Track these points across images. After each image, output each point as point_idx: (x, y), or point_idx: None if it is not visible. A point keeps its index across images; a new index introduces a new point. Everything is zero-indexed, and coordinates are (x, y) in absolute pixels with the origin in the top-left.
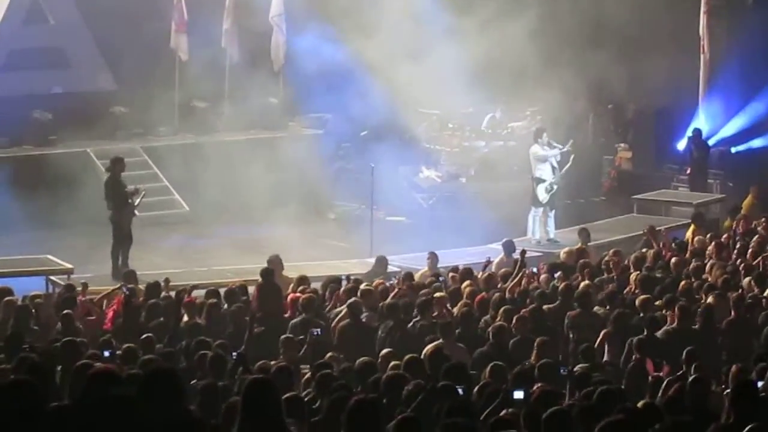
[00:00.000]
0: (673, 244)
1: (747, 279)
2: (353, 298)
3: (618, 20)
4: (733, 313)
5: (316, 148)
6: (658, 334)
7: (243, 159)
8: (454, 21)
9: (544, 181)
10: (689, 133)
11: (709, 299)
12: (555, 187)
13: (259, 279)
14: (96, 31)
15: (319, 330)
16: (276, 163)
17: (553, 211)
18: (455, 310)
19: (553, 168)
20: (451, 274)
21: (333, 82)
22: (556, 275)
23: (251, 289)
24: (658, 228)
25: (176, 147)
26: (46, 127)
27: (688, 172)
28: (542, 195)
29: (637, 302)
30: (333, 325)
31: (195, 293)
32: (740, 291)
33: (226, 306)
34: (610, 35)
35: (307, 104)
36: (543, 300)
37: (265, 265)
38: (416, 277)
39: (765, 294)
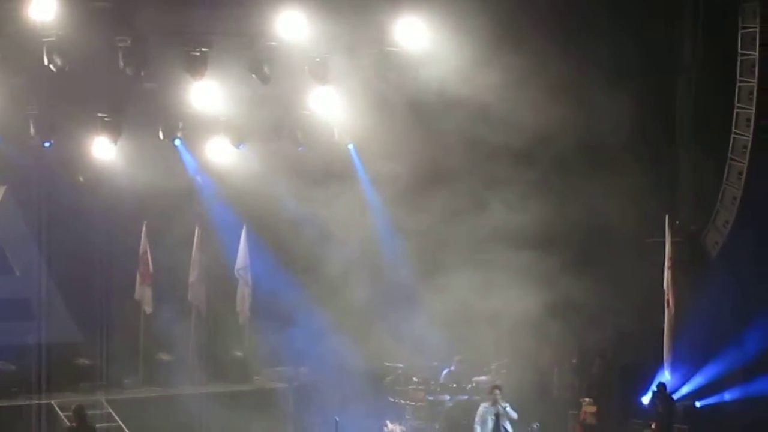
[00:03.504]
0: None
1: None
2: None
3: (588, 273)
4: None
5: (282, 402)
6: None
7: (208, 413)
8: (419, 272)
9: None
10: (654, 387)
11: None
12: None
13: None
14: (61, 283)
15: None
16: (241, 417)
17: None
18: None
19: (504, 428)
20: None
21: (298, 336)
22: None
23: None
24: None
25: (141, 399)
26: (9, 379)
27: (653, 426)
28: None
29: None
30: None
31: None
32: None
33: None
34: (574, 288)
35: (272, 358)
36: None
37: None
38: None
39: None
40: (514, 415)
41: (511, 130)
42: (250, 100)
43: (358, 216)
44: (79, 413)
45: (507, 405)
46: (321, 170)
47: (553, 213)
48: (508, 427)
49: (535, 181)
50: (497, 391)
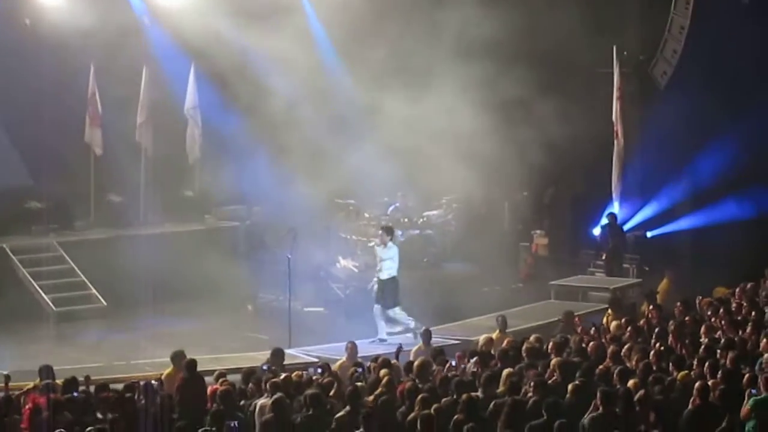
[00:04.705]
0: (592, 330)
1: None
2: (279, 394)
3: (537, 104)
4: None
5: (233, 240)
6: (585, 420)
7: (159, 252)
8: (368, 105)
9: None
10: (604, 218)
11: (629, 383)
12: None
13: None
14: (10, 126)
15: (236, 423)
16: (193, 255)
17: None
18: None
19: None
20: (372, 364)
21: (248, 174)
22: (472, 361)
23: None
24: (575, 314)
25: (92, 241)
26: None
27: (604, 257)
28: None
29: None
30: (263, 420)
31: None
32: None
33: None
34: (524, 120)
35: (224, 197)
36: (463, 388)
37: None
38: (335, 367)
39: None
40: (378, 255)
41: None
42: None
43: (306, 50)
44: None
45: (381, 245)
46: (268, 7)
47: (506, 40)
48: (379, 266)
49: (487, 13)
50: (380, 231)
